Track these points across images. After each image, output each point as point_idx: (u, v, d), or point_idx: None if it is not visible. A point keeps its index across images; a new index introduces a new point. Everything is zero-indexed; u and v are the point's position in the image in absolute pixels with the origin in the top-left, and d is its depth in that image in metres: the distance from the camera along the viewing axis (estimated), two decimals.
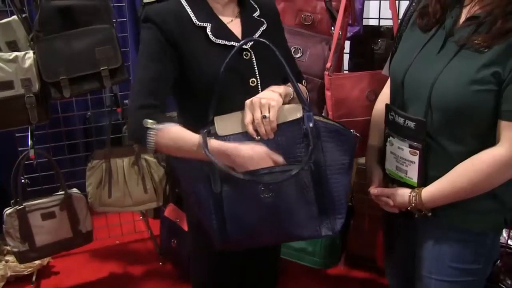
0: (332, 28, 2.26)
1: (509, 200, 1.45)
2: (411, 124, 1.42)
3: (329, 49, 2.20)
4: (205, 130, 1.42)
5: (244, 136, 1.44)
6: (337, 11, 2.19)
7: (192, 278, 1.88)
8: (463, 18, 1.40)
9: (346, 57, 2.56)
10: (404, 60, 1.47)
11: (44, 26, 2.37)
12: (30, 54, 2.32)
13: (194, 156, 1.42)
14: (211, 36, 1.53)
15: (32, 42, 2.34)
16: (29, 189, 2.73)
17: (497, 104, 1.32)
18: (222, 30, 1.55)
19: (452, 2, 1.43)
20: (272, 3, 1.75)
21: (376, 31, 2.48)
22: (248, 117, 1.43)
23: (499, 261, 2.20)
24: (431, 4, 1.46)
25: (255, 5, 1.65)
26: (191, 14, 1.54)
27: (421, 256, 1.57)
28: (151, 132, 1.43)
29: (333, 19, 2.24)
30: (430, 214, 1.47)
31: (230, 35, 1.56)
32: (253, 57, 1.57)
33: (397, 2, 2.42)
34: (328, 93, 2.06)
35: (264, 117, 1.41)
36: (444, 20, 1.43)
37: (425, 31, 1.47)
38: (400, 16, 1.65)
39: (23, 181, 2.58)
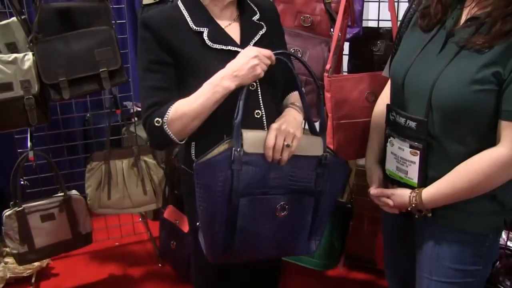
0: (332, 30, 2.26)
1: (509, 201, 1.45)
2: (412, 124, 1.42)
3: (329, 51, 2.20)
4: (238, 144, 1.43)
5: (263, 157, 1.46)
6: (337, 12, 2.19)
7: (195, 283, 1.88)
8: (463, 19, 1.41)
9: (345, 59, 2.57)
10: (405, 61, 1.48)
11: (43, 28, 2.37)
12: (29, 55, 2.33)
13: (207, 110, 1.46)
14: (207, 41, 1.52)
15: (31, 44, 2.34)
16: (28, 190, 2.73)
17: (497, 104, 1.32)
18: (219, 35, 1.55)
19: (453, 2, 1.44)
20: (272, 6, 1.75)
21: (376, 33, 2.48)
22: (270, 142, 1.44)
23: (498, 262, 2.20)
24: (433, 5, 1.46)
25: (255, 8, 1.65)
26: (188, 19, 1.54)
27: (421, 257, 1.57)
28: (165, 127, 1.47)
29: (333, 20, 2.25)
30: (430, 214, 1.47)
31: (228, 40, 1.55)
32: None
33: (396, 3, 2.42)
34: (327, 95, 2.05)
35: (287, 145, 1.45)
36: (445, 20, 1.44)
37: (426, 32, 1.47)
38: (399, 17, 1.66)
39: (22, 182, 2.58)
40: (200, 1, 1.57)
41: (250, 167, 1.44)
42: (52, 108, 2.63)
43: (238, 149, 1.42)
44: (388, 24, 2.34)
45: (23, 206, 2.52)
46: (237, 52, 1.53)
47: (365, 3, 2.51)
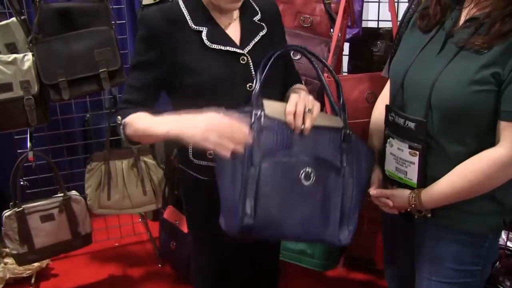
0: (331, 30, 2.27)
1: (508, 201, 1.45)
2: (411, 125, 1.42)
3: (328, 51, 2.20)
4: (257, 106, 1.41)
5: (286, 126, 1.43)
6: (336, 13, 2.19)
7: (195, 283, 1.87)
8: (462, 19, 1.41)
9: (345, 59, 2.57)
10: (404, 61, 1.47)
11: (43, 28, 2.38)
12: (29, 56, 2.33)
13: (151, 138, 1.51)
14: (206, 41, 1.51)
15: (31, 44, 2.34)
16: (28, 191, 2.73)
17: (497, 104, 1.32)
18: (218, 35, 1.54)
19: (452, 3, 1.44)
20: (274, 6, 1.74)
21: (375, 33, 2.48)
22: (291, 108, 1.43)
23: (498, 262, 2.20)
24: (432, 6, 1.46)
25: (256, 8, 1.64)
26: (188, 17, 1.53)
27: (421, 257, 1.57)
28: (121, 127, 1.49)
29: (332, 21, 2.25)
30: (429, 215, 1.47)
31: (227, 40, 1.54)
32: (250, 61, 1.55)
33: (396, 4, 2.42)
34: None
35: (309, 110, 1.44)
36: (444, 21, 1.44)
37: (425, 33, 1.47)
38: (399, 18, 1.66)
39: (22, 183, 2.58)
40: (200, 0, 1.56)
41: (271, 133, 1.41)
42: (51, 109, 2.63)
43: (259, 112, 1.40)
44: (388, 25, 2.35)
45: (22, 206, 2.51)
46: (235, 54, 1.53)
47: (364, 4, 2.51)
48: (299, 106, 1.43)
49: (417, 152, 1.43)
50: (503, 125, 1.33)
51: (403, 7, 2.11)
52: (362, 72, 2.15)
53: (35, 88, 2.34)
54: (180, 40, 1.51)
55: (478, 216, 1.45)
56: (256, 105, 1.41)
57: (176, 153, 2.54)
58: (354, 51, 2.57)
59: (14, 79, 2.31)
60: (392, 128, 1.50)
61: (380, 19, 2.69)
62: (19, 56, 2.32)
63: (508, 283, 2.20)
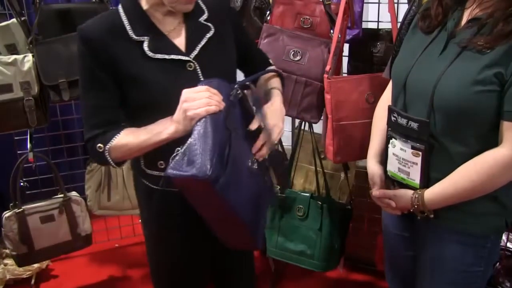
0: (331, 31, 2.26)
1: (510, 202, 1.45)
2: (414, 125, 1.42)
3: (328, 52, 2.20)
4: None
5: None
6: (336, 14, 2.19)
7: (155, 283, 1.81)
8: (464, 20, 1.41)
9: (345, 60, 2.57)
10: (406, 62, 1.48)
11: (43, 29, 2.37)
12: (29, 57, 2.33)
13: (150, 147, 1.41)
14: (148, 52, 1.42)
15: (31, 45, 2.34)
16: (28, 192, 2.73)
17: (499, 104, 1.32)
18: (161, 43, 1.44)
19: (453, 4, 1.44)
20: (223, 1, 1.63)
21: (375, 34, 2.48)
22: (263, 138, 1.44)
23: (498, 263, 2.20)
24: (433, 7, 1.46)
25: (203, 6, 1.54)
26: (128, 27, 1.43)
27: (422, 258, 1.57)
28: (105, 154, 1.44)
29: (332, 22, 2.24)
30: (432, 216, 1.47)
31: (170, 48, 1.45)
32: (198, 67, 1.47)
33: (396, 5, 2.42)
34: (327, 96, 2.06)
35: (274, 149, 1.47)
36: (446, 22, 1.44)
37: (427, 33, 1.48)
38: (399, 19, 1.66)
39: (22, 184, 2.58)
40: (141, 6, 1.45)
41: (240, 112, 1.41)
42: (51, 110, 2.64)
43: (239, 91, 1.38)
44: (388, 26, 2.34)
45: (22, 207, 2.51)
46: (181, 61, 1.45)
47: (364, 4, 2.51)
48: (271, 143, 1.45)
49: (420, 153, 1.43)
50: (505, 125, 1.33)
51: (403, 8, 2.11)
52: (362, 73, 2.15)
53: (35, 89, 2.34)
54: (122, 52, 1.42)
55: (480, 217, 1.45)
56: (240, 83, 1.40)
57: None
58: (354, 52, 2.56)
59: (14, 80, 2.31)
60: (395, 129, 1.50)
61: (380, 20, 2.69)
62: (19, 57, 2.32)
63: (508, 284, 2.20)
